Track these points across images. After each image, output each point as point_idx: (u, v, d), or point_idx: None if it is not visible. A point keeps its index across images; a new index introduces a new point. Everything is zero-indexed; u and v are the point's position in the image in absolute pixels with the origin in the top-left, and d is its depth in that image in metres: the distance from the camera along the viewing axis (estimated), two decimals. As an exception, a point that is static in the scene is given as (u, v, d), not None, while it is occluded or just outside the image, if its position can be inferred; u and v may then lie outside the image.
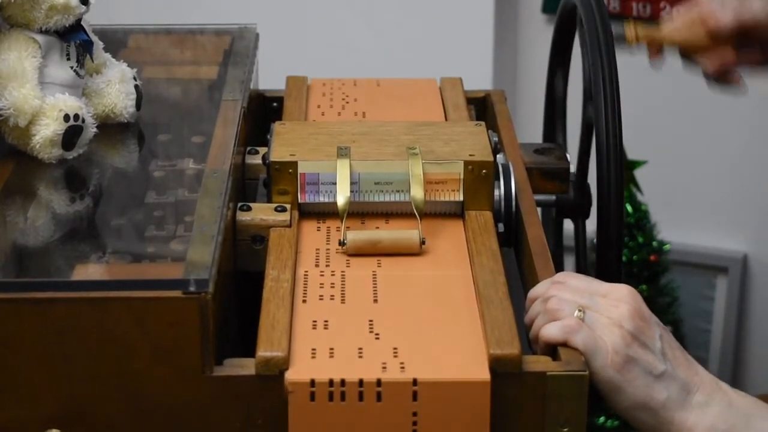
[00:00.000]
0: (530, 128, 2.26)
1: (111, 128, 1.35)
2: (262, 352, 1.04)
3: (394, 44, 2.47)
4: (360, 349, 1.06)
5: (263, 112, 1.51)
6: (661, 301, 2.36)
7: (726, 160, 2.48)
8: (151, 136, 1.37)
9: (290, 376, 1.03)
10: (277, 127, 1.30)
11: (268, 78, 1.58)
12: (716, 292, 2.53)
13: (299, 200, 1.24)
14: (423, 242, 1.19)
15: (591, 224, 1.41)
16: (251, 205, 1.23)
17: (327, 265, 1.18)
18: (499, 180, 1.27)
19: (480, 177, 1.24)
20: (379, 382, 1.03)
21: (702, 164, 2.50)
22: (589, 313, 1.10)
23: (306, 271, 1.17)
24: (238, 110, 1.34)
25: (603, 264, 1.28)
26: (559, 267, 1.36)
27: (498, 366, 1.04)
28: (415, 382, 1.03)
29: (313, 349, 1.06)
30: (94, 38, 1.33)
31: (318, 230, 1.23)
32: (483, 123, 1.32)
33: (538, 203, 1.37)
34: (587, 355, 1.07)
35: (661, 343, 1.10)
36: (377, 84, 1.53)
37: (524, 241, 1.24)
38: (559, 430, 1.06)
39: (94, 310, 1.03)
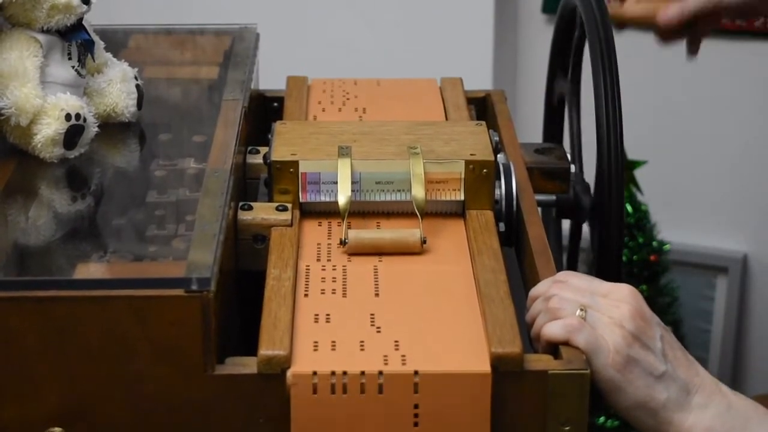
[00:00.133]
0: (530, 128, 2.26)
1: (112, 128, 1.35)
2: (264, 351, 1.04)
3: (394, 44, 2.47)
4: (361, 342, 1.06)
5: (264, 112, 1.51)
6: (661, 301, 2.36)
7: (726, 160, 2.48)
8: (152, 135, 1.37)
9: (292, 368, 1.03)
10: (278, 126, 1.31)
11: (269, 78, 1.58)
12: (716, 292, 2.53)
13: (300, 199, 1.24)
14: (424, 241, 1.19)
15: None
16: (252, 204, 1.23)
17: (328, 260, 1.18)
18: (500, 179, 1.27)
19: (481, 176, 1.24)
20: (380, 374, 1.03)
21: (702, 164, 2.50)
22: (591, 312, 1.10)
23: (308, 266, 1.17)
24: (238, 110, 1.34)
25: (603, 264, 1.28)
26: (559, 266, 1.36)
27: (499, 364, 1.04)
28: (416, 374, 1.03)
29: (315, 342, 1.06)
30: (95, 38, 1.33)
31: (319, 229, 1.23)
32: (484, 123, 1.33)
33: (539, 203, 1.37)
34: (589, 355, 1.07)
35: (662, 343, 1.10)
36: (377, 84, 1.54)
37: (525, 240, 1.25)
38: (560, 428, 1.06)
39: (95, 308, 1.04)
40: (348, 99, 1.49)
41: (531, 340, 1.13)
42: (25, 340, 1.04)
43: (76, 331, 1.04)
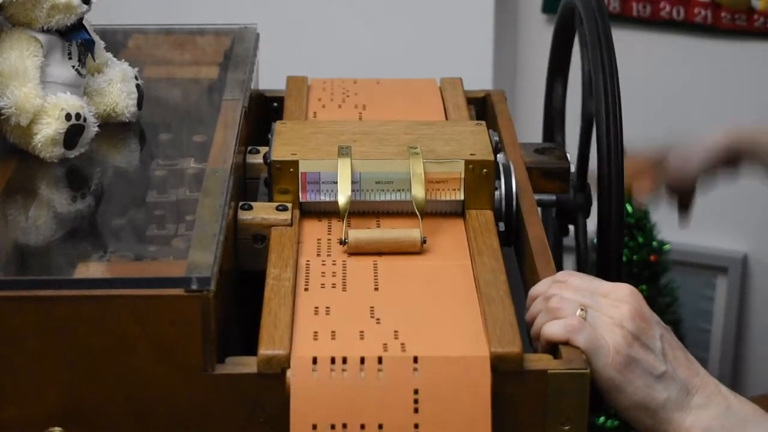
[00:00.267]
0: (530, 128, 2.26)
1: (112, 127, 1.35)
2: (264, 351, 1.04)
3: (394, 44, 2.47)
4: (361, 331, 1.07)
5: (264, 112, 1.51)
6: (661, 301, 2.36)
7: (726, 160, 2.48)
8: (152, 135, 1.37)
9: (292, 354, 1.03)
10: (278, 126, 1.31)
11: (269, 78, 1.58)
12: (716, 292, 2.53)
13: (300, 199, 1.24)
14: (424, 241, 1.19)
15: (591, 224, 1.41)
16: (252, 204, 1.23)
17: (328, 255, 1.18)
18: (499, 179, 1.27)
19: (481, 176, 1.24)
20: (380, 360, 1.03)
21: (702, 164, 2.50)
22: (591, 312, 1.10)
23: (308, 261, 1.17)
24: (238, 110, 1.34)
25: (603, 264, 1.28)
26: (559, 266, 1.36)
27: (499, 364, 1.04)
28: (415, 359, 1.03)
29: (315, 332, 1.06)
30: (96, 37, 1.33)
31: (319, 229, 1.23)
32: (483, 122, 1.33)
33: (539, 203, 1.37)
34: (589, 355, 1.07)
35: (662, 343, 1.10)
36: (377, 84, 1.54)
37: (525, 240, 1.25)
38: (560, 428, 1.06)
39: (95, 308, 1.04)
40: (348, 96, 1.49)
41: (531, 340, 1.13)
42: (25, 339, 1.04)
43: (76, 330, 1.04)
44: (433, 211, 1.25)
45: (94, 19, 1.34)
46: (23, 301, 1.03)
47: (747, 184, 2.48)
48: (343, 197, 1.21)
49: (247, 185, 1.32)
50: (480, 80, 2.05)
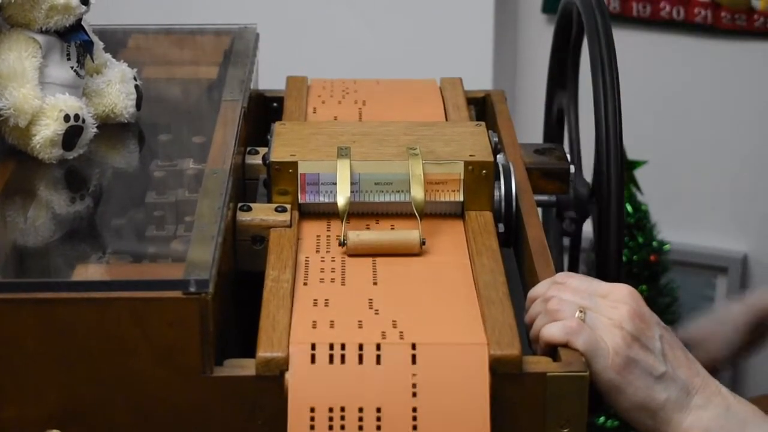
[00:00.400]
0: (530, 128, 2.26)
1: (111, 128, 1.35)
2: (263, 353, 1.04)
3: (394, 44, 2.47)
4: (360, 321, 1.07)
5: (263, 113, 1.51)
6: (661, 301, 2.36)
7: (726, 160, 2.48)
8: (151, 136, 1.37)
9: (291, 340, 1.04)
10: (277, 127, 1.31)
11: (268, 78, 1.58)
12: (716, 292, 2.53)
13: (299, 200, 1.24)
14: (423, 243, 1.19)
15: (590, 224, 1.41)
16: (251, 205, 1.23)
17: (327, 252, 1.18)
18: (499, 180, 1.27)
19: (480, 177, 1.24)
20: (378, 347, 1.03)
21: (702, 164, 2.50)
22: (590, 314, 1.09)
23: (307, 257, 1.17)
24: (238, 110, 1.33)
25: (603, 264, 1.28)
26: (559, 267, 1.36)
27: (498, 366, 1.04)
28: (414, 346, 1.03)
29: (314, 321, 1.07)
30: (95, 38, 1.33)
31: (318, 230, 1.23)
32: (483, 123, 1.32)
33: (539, 203, 1.37)
34: (588, 357, 1.07)
35: (662, 343, 1.10)
36: (377, 84, 1.53)
37: (524, 241, 1.24)
38: (559, 431, 1.06)
39: (94, 310, 1.03)
40: (347, 95, 1.49)
41: (530, 342, 1.13)
42: (25, 341, 1.04)
43: (75, 332, 1.04)
44: (432, 213, 1.24)
45: (93, 19, 1.34)
46: (22, 304, 1.03)
47: (747, 183, 2.48)
48: (342, 198, 1.21)
49: (246, 186, 1.32)
50: (480, 80, 2.05)
